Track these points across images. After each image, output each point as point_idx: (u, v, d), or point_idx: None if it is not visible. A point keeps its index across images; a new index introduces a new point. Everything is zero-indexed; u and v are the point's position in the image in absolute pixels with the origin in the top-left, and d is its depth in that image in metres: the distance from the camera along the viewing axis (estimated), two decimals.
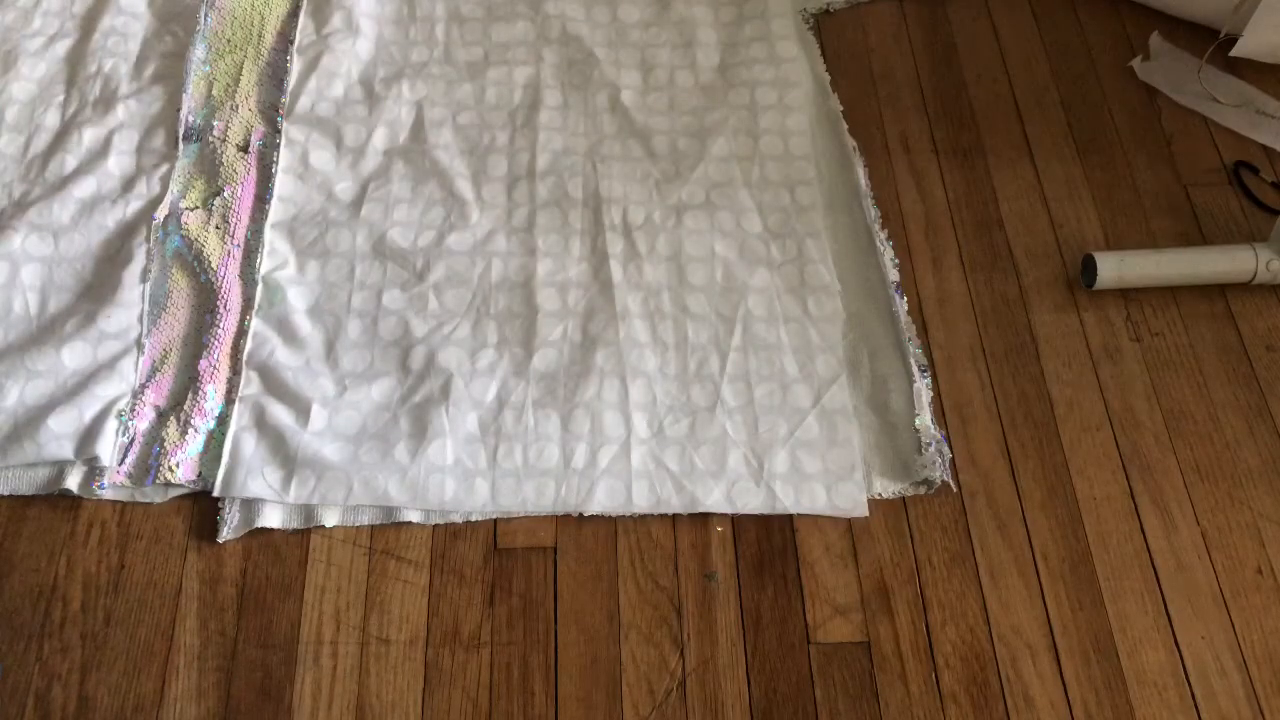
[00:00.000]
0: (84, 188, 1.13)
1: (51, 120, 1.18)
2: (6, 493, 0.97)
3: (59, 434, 0.97)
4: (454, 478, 0.97)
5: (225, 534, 0.94)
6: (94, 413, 0.99)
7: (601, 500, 0.96)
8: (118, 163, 1.15)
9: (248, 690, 0.88)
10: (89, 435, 0.98)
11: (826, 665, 0.89)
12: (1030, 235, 1.14)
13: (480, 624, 0.91)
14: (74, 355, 1.02)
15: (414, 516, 0.96)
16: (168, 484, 0.97)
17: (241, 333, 1.05)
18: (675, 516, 0.96)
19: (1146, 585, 0.94)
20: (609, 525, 0.95)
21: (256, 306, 1.06)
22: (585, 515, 0.96)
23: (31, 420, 0.98)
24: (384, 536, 0.95)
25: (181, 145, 1.16)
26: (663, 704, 0.87)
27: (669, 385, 1.02)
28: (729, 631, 0.90)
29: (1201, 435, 1.02)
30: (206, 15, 1.25)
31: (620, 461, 0.98)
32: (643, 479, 0.97)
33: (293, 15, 1.26)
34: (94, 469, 0.97)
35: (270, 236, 1.11)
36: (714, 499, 0.96)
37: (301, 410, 1.00)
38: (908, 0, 1.32)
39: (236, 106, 1.19)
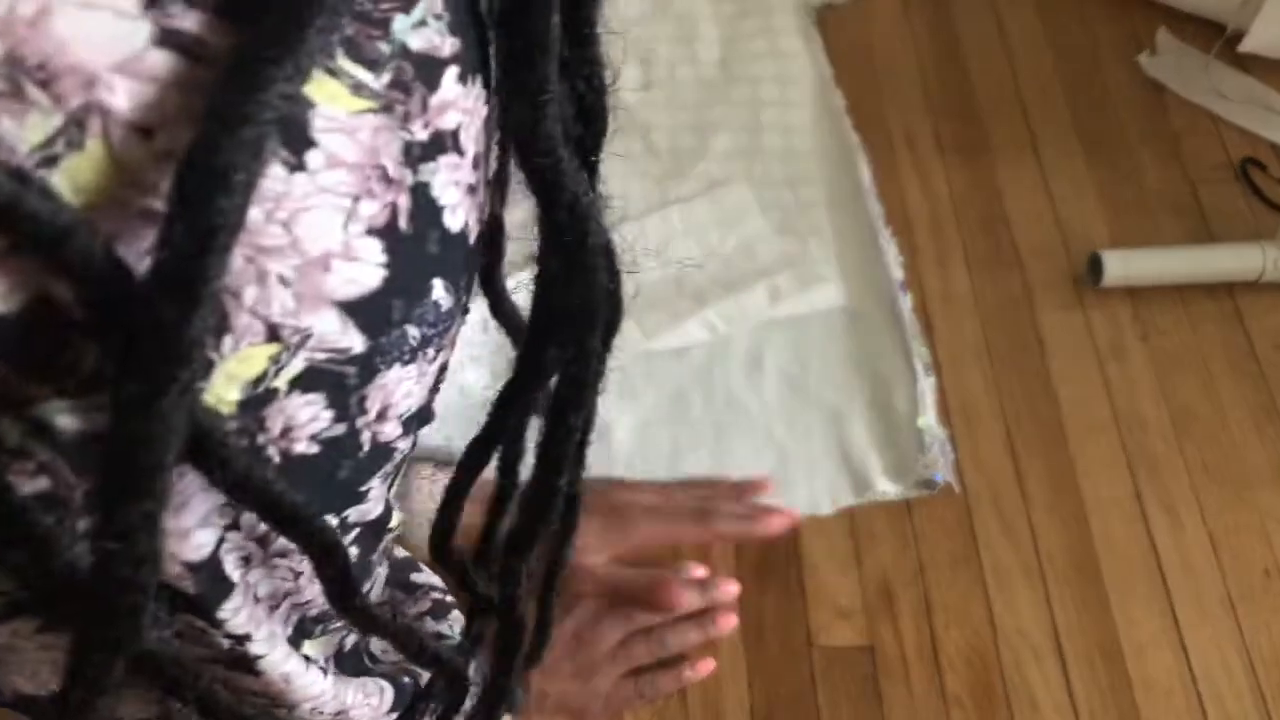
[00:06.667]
0: None
1: None
2: None
3: None
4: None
5: None
6: None
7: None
8: None
9: None
10: None
11: (829, 669, 0.88)
12: (1036, 233, 1.13)
13: None
14: None
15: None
16: None
17: None
18: None
19: (1153, 588, 0.93)
20: None
21: None
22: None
23: None
24: None
25: None
26: (663, 707, 0.86)
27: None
28: (730, 635, 0.89)
29: (1209, 435, 1.01)
30: None
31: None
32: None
33: None
34: None
35: None
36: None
37: None
38: None
39: None
